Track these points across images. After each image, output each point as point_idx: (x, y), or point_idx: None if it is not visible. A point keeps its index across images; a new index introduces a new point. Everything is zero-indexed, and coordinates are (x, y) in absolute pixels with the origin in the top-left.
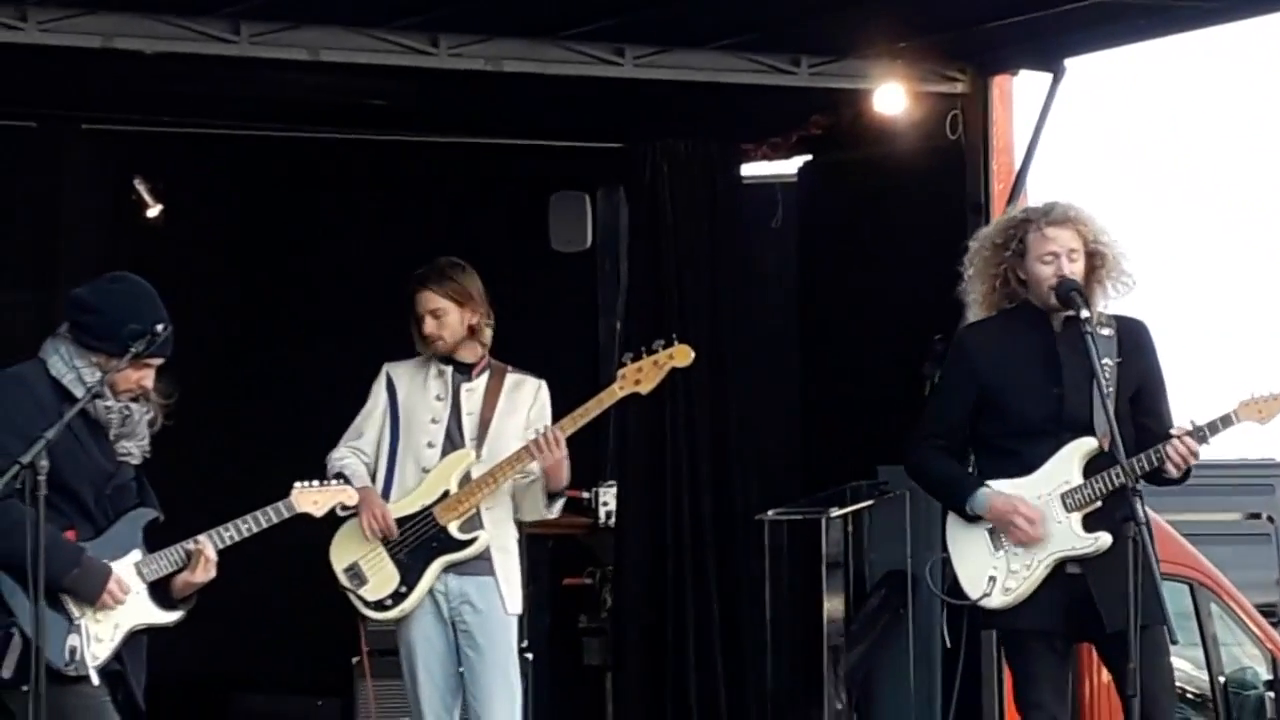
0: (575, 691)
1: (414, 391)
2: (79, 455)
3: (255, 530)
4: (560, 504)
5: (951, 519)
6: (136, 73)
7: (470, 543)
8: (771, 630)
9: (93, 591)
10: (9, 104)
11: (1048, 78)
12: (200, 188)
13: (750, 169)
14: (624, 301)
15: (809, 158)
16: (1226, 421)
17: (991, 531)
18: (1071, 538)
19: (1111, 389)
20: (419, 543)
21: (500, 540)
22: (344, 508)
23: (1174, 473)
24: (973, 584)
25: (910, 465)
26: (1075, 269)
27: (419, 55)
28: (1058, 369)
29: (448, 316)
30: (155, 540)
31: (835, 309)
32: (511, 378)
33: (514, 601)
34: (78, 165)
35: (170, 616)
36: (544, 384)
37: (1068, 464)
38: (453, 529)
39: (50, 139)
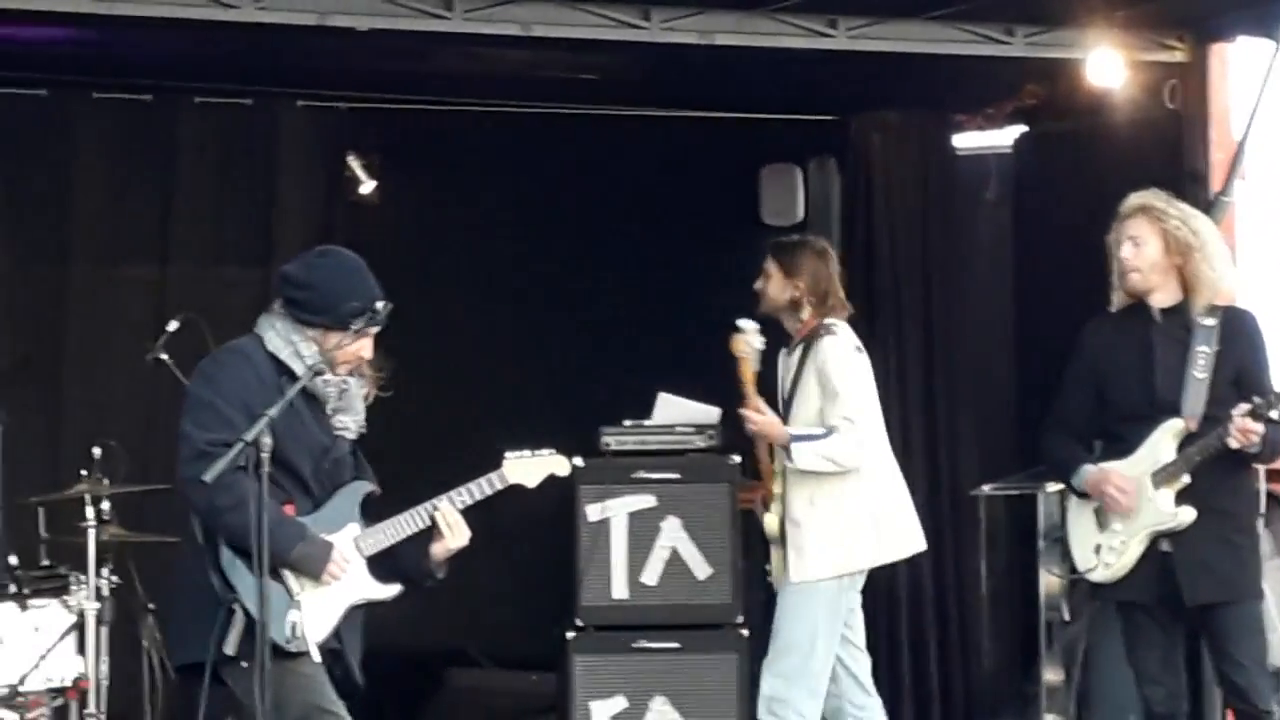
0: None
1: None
2: (298, 430)
3: (470, 502)
4: (797, 453)
5: (1069, 499)
6: (350, 49)
7: (766, 523)
8: (988, 606)
9: (316, 567)
10: (226, 82)
11: (1269, 45)
12: (413, 163)
13: (964, 140)
14: None
15: (1024, 129)
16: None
17: (1098, 511)
18: (1160, 513)
19: (1206, 375)
20: None
21: (793, 513)
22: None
23: (1249, 449)
24: (1082, 559)
25: (1038, 449)
26: (1141, 256)
27: (631, 29)
28: (1151, 356)
29: (770, 281)
30: (371, 514)
31: (1050, 280)
32: (819, 341)
33: (797, 570)
34: (293, 142)
35: (389, 591)
36: (829, 338)
37: (1160, 444)
38: (765, 510)
39: (266, 116)
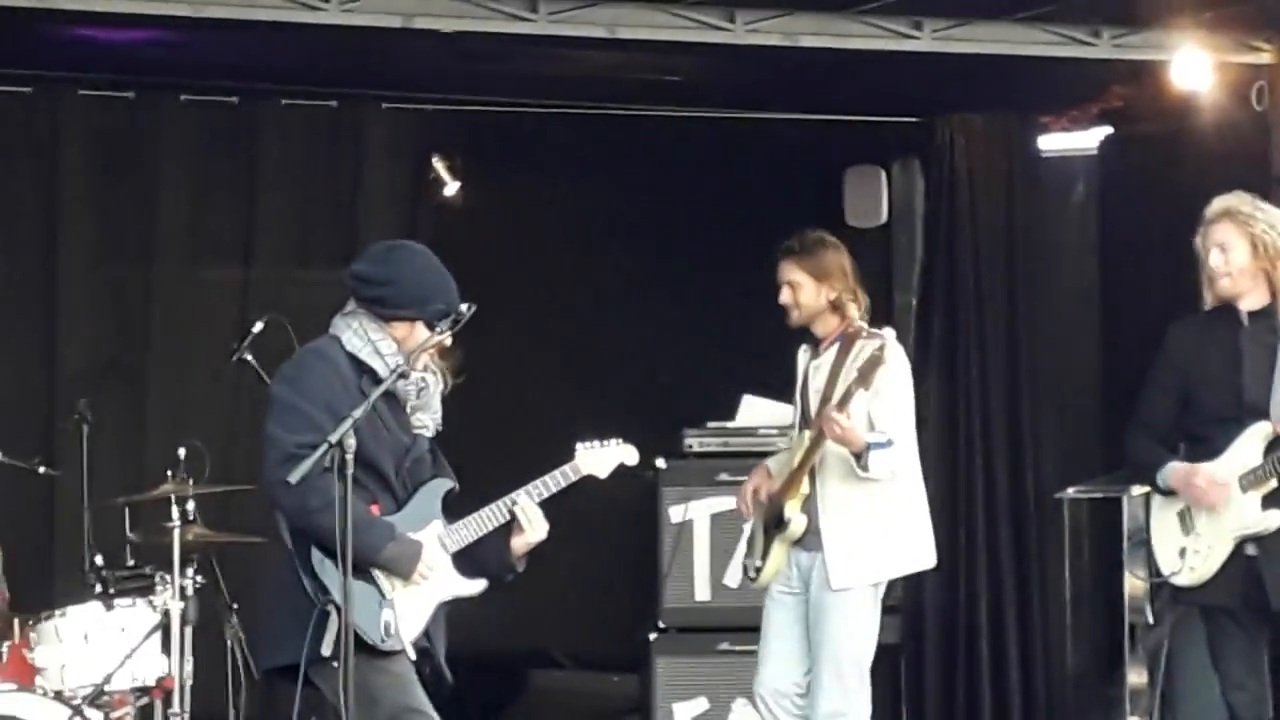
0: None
1: (795, 370)
2: (380, 430)
3: (546, 495)
4: (872, 461)
5: (1153, 502)
6: (435, 51)
7: (790, 522)
8: (1071, 609)
9: (407, 567)
10: (311, 84)
11: None
12: (496, 165)
13: (1049, 142)
14: (919, 277)
15: (1109, 131)
16: None
17: (1182, 514)
18: (1247, 517)
19: None
20: (768, 522)
21: (833, 516)
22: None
23: None
24: (1167, 562)
25: (1122, 451)
26: (1229, 262)
27: (716, 31)
28: (1239, 360)
29: (801, 290)
30: (451, 511)
31: (1135, 284)
32: (860, 343)
33: (838, 577)
34: (377, 144)
35: (476, 587)
36: (885, 340)
37: (1248, 448)
38: (786, 509)
39: (351, 118)
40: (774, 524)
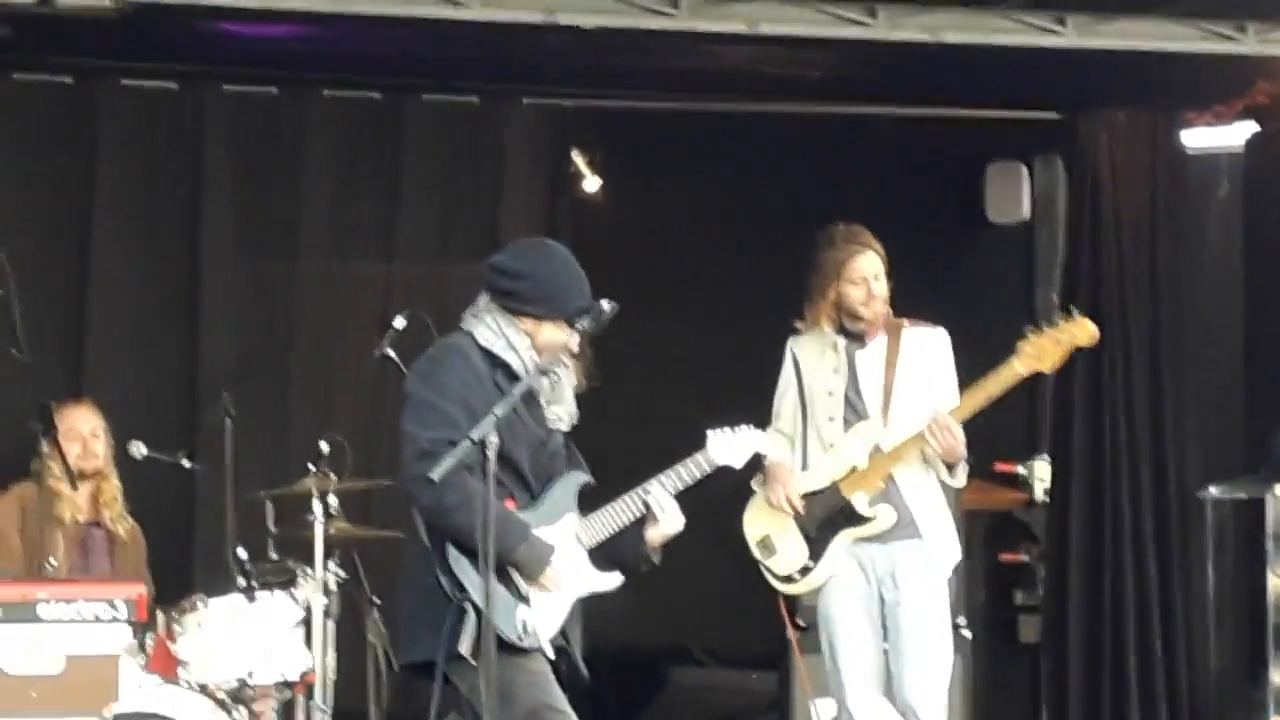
0: (1010, 669)
1: (814, 365)
2: (515, 425)
3: (680, 485)
4: (961, 471)
5: None
6: (576, 46)
7: (873, 518)
8: (1214, 609)
9: (536, 569)
10: (453, 79)
11: None
12: (636, 160)
13: (1194, 139)
14: (1062, 274)
15: (1255, 128)
16: None
17: None
18: None
19: None
20: (826, 517)
21: (923, 505)
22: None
23: None
24: None
25: (1267, 451)
26: None
27: (857, 26)
28: None
29: (883, 281)
30: (585, 504)
31: None
32: (910, 333)
33: (946, 564)
34: (518, 139)
35: (612, 581)
36: (942, 333)
37: None
38: (858, 503)
39: (492, 113)
40: (842, 520)
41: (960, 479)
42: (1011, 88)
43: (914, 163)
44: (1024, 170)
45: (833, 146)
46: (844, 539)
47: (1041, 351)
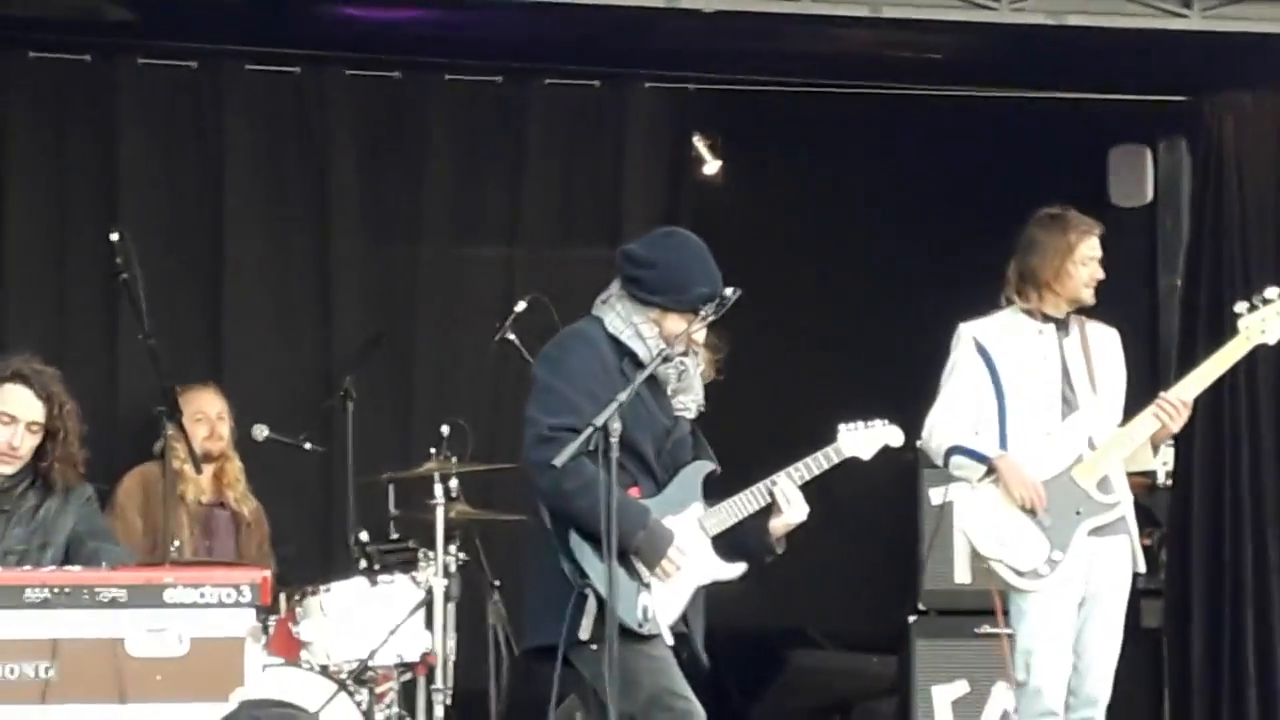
0: (1132, 654)
1: (1015, 350)
2: (641, 413)
3: (808, 477)
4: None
5: None
6: (697, 29)
7: (1113, 505)
8: None
9: (655, 556)
10: (574, 63)
11: None
12: (757, 143)
13: None
14: (1185, 258)
15: None
16: None
17: None
18: None
19: None
20: (1063, 507)
21: (1129, 497)
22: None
23: None
24: None
25: None
26: None
27: (981, 9)
28: None
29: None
30: (712, 493)
31: None
32: (1090, 326)
33: (1140, 560)
34: (639, 123)
35: (735, 570)
36: (1116, 334)
37: None
38: (1093, 491)
39: (614, 97)
40: (1080, 508)
41: (1159, 461)
42: (1135, 70)
43: (1037, 146)
44: (1148, 153)
45: (955, 130)
46: (1084, 528)
47: (1265, 324)
